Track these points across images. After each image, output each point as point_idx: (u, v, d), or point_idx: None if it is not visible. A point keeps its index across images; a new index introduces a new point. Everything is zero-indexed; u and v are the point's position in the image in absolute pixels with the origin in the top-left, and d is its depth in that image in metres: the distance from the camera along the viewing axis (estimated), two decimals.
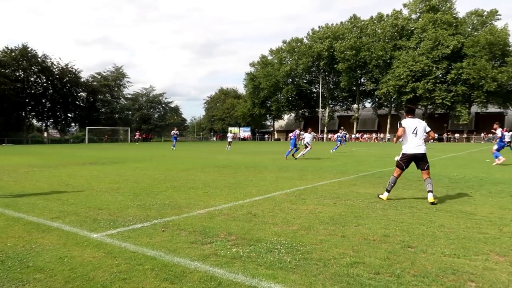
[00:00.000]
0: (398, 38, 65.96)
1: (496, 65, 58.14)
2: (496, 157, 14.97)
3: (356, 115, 74.33)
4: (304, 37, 77.22)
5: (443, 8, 63.70)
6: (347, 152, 25.64)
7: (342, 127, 30.68)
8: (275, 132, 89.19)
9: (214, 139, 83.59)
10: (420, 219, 5.41)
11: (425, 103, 63.28)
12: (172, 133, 31.94)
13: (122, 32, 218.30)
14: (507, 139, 24.38)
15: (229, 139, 31.16)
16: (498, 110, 63.64)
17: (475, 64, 56.80)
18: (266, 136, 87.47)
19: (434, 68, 60.02)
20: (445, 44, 59.18)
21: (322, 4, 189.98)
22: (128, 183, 9.29)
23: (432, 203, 6.43)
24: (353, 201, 6.78)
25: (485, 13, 61.81)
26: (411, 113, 7.16)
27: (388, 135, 68.65)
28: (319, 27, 75.44)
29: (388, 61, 65.62)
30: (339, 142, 27.63)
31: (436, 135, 60.08)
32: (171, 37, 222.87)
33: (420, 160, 6.79)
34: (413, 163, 6.91)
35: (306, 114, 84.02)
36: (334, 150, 24.93)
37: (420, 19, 63.99)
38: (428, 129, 6.88)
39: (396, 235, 4.52)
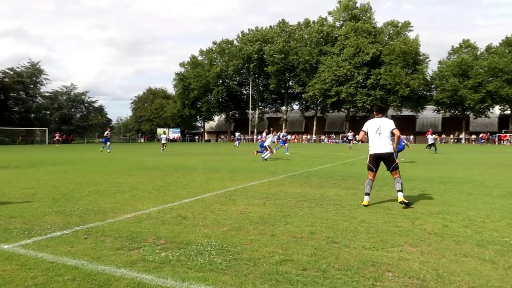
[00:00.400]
0: (323, 44, 69.32)
1: (409, 72, 63.66)
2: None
3: (285, 116, 76.59)
4: (234, 39, 77.90)
5: (364, 17, 68.37)
6: (283, 154, 26.29)
7: (285, 128, 30.63)
8: (205, 133, 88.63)
9: (142, 140, 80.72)
10: (343, 215, 5.73)
11: (348, 106, 67.37)
12: (105, 134, 30.19)
13: (40, 25, 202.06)
14: (430, 141, 26.83)
15: (163, 141, 30.24)
16: (411, 113, 69.65)
17: (391, 71, 61.70)
18: (196, 137, 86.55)
19: (356, 74, 64.10)
20: (365, 51, 63.52)
21: (252, 7, 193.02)
22: (46, 188, 8.60)
23: (401, 203, 6.34)
24: (282, 201, 6.96)
25: (400, 24, 67.43)
26: (380, 112, 6.95)
27: (314, 136, 71.70)
28: (249, 29, 76.60)
29: (315, 65, 68.70)
30: (282, 143, 27.42)
31: (354, 136, 64.06)
32: (94, 33, 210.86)
33: (385, 160, 6.63)
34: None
35: (237, 115, 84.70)
36: (287, 152, 23.74)
37: (343, 27, 68.02)
38: (393, 128, 6.60)
39: (322, 232, 4.73)
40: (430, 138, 27.02)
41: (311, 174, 11.80)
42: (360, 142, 9.13)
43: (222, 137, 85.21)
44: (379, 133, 6.62)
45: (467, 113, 65.91)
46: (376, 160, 6.71)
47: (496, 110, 66.57)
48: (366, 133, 6.90)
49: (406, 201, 6.31)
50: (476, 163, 17.33)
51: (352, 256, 3.81)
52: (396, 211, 6.08)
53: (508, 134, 60.34)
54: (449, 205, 6.59)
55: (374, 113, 7.07)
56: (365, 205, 6.42)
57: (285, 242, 4.28)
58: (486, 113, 63.71)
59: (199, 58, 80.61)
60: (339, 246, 4.15)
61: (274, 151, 19.42)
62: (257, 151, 19.47)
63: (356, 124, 69.29)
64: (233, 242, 4.25)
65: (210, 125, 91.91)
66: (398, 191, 6.47)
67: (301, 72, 68.84)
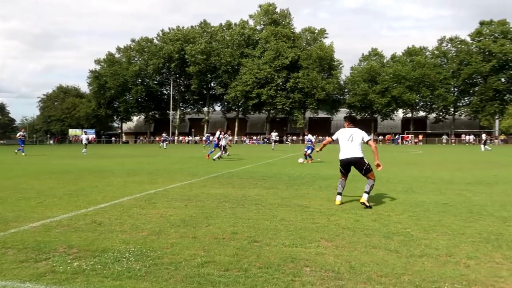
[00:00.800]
0: (245, 46, 70.40)
1: (325, 77, 67.45)
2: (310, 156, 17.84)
3: (207, 118, 76.22)
4: (154, 37, 75.63)
5: (283, 22, 70.85)
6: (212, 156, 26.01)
7: (220, 129, 29.23)
8: (123, 134, 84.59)
9: (52, 142, 74.55)
10: (264, 215, 5.86)
11: (268, 108, 69.37)
12: (18, 135, 26.97)
13: None
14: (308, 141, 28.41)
15: (84, 141, 27.97)
16: (327, 116, 73.85)
17: (309, 75, 64.82)
18: (113, 138, 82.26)
19: (276, 77, 66.21)
20: (285, 55, 65.93)
21: (173, 5, 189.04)
22: None
23: (362, 203, 6.46)
24: (204, 202, 6.91)
25: (316, 31, 71.14)
26: (351, 121, 7.19)
27: (236, 137, 72.38)
28: (169, 28, 75.01)
29: (236, 67, 69.50)
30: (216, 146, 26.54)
31: (278, 137, 66.24)
32: None
33: (355, 164, 6.85)
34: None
35: (157, 116, 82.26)
36: (226, 154, 21.85)
37: (264, 31, 69.79)
38: (366, 138, 6.90)
39: (244, 232, 4.79)
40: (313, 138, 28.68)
41: (233, 175, 11.89)
42: (319, 148, 9.74)
43: (142, 138, 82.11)
44: (351, 140, 6.85)
45: (375, 116, 71.70)
46: (347, 165, 6.97)
47: (400, 113, 73.59)
48: (333, 140, 7.28)
49: (367, 204, 6.41)
50: (382, 161, 18.89)
51: (273, 254, 3.91)
52: (313, 208, 6.38)
53: (409, 135, 66.89)
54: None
55: (346, 123, 7.28)
56: (337, 205, 6.67)
57: (207, 244, 4.25)
58: (391, 116, 69.92)
59: (117, 55, 76.94)
60: (260, 245, 4.23)
61: (222, 153, 19.37)
62: (209, 153, 19.70)
63: (276, 125, 71.70)
64: (153, 247, 4.12)
65: (128, 125, 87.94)
66: (365, 192, 6.61)
67: (223, 73, 69.13)
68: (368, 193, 6.58)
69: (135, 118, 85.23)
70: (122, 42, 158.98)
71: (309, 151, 17.76)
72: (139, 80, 75.61)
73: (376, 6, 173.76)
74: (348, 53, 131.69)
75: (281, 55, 66.14)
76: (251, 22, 72.80)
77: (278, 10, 71.27)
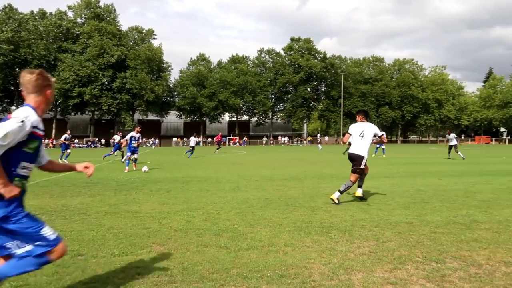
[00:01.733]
0: (63, 40, 63.21)
1: (154, 78, 66.30)
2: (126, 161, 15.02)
3: None
4: None
5: (108, 18, 66.43)
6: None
7: (118, 131, 24.69)
8: None
9: None
10: (90, 224, 5.39)
11: (92, 109, 63.92)
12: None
13: None
14: (192, 143, 27.82)
15: None
16: (156, 118, 72.75)
17: (137, 76, 62.60)
18: None
19: (101, 75, 61.60)
20: (110, 53, 61.94)
21: None
22: None
23: (331, 199, 6.82)
24: None
25: (144, 31, 69.27)
26: (364, 116, 7.39)
27: (56, 141, 64.30)
28: None
29: (53, 62, 61.82)
30: (116, 150, 23.04)
31: (104, 140, 61.91)
32: None
33: (353, 160, 7.08)
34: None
35: None
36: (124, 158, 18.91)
37: (85, 25, 64.00)
38: (379, 133, 7.32)
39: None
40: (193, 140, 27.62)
41: (51, 183, 10.53)
42: (342, 143, 9.45)
43: None
44: (362, 136, 7.08)
45: (204, 118, 74.36)
46: (349, 159, 7.25)
47: (226, 116, 78.34)
48: (351, 135, 7.34)
49: (336, 202, 6.77)
50: (213, 162, 19.74)
51: (100, 266, 3.63)
52: (144, 213, 6.19)
53: (235, 137, 71.82)
54: (191, 202, 7.24)
55: (359, 117, 7.41)
56: (356, 195, 7.22)
57: None
58: (218, 119, 73.70)
59: None
60: (86, 258, 3.88)
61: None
62: (105, 155, 18.88)
63: (102, 127, 66.95)
64: None
65: None
66: (337, 190, 6.92)
67: (37, 68, 60.29)
68: (341, 192, 6.89)
69: None
70: None
71: (129, 154, 14.92)
72: None
73: (203, 13, 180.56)
74: (177, 56, 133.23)
75: (106, 53, 61.86)
76: (70, 14, 65.81)
77: (102, 4, 66.54)
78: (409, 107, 76.35)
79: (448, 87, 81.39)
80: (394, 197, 7.63)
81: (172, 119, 76.47)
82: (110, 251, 4.13)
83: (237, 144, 66.36)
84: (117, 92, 63.70)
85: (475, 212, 6.13)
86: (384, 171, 13.69)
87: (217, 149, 32.79)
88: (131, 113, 66.95)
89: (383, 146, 23.53)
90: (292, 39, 76.20)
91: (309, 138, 76.07)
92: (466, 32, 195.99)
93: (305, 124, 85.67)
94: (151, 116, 71.44)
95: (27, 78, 2.57)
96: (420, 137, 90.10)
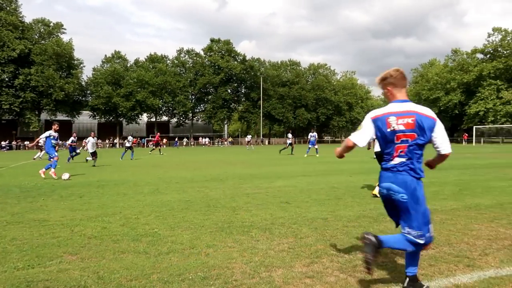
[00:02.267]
0: None
1: (64, 76, 61.49)
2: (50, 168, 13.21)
3: None
4: None
5: (8, 8, 59.99)
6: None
7: (75, 133, 21.80)
8: None
9: None
10: None
11: None
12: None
13: None
14: (127, 144, 25.95)
15: None
16: (67, 118, 67.45)
17: (44, 72, 57.47)
18: None
19: (0, 71, 55.47)
20: (12, 46, 56.02)
21: None
22: None
23: (374, 194, 7.56)
24: None
25: (52, 24, 63.78)
26: None
27: None
28: None
29: None
30: (73, 152, 22.04)
31: (5, 142, 55.79)
32: None
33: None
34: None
35: None
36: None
37: None
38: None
39: None
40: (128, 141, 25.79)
41: None
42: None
43: None
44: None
45: (120, 119, 70.83)
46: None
47: (144, 117, 75.51)
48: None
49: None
50: (132, 165, 18.89)
51: (2, 282, 3.27)
52: (53, 221, 5.71)
53: (137, 138, 69.55)
54: (107, 207, 6.86)
55: None
56: (374, 194, 7.65)
57: None
58: (136, 119, 70.75)
59: None
60: None
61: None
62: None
63: (2, 128, 60.48)
64: None
65: None
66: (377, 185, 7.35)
67: None
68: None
69: None
70: None
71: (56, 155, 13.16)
72: None
73: (118, 9, 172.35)
74: (90, 53, 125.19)
75: (7, 46, 55.86)
76: None
77: None
78: (323, 109, 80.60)
79: (358, 91, 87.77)
80: (311, 195, 8.01)
81: (85, 119, 71.66)
82: (12, 264, 3.74)
83: (164, 145, 64.41)
84: (20, 89, 57.85)
85: (381, 206, 6.69)
86: (301, 170, 14.32)
87: (153, 149, 32.47)
88: (37, 113, 61.33)
89: (316, 146, 24.93)
90: (212, 40, 76.05)
91: (230, 139, 76.62)
92: (371, 40, 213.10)
93: (225, 125, 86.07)
94: (61, 116, 65.96)
95: None
96: (334, 138, 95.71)
